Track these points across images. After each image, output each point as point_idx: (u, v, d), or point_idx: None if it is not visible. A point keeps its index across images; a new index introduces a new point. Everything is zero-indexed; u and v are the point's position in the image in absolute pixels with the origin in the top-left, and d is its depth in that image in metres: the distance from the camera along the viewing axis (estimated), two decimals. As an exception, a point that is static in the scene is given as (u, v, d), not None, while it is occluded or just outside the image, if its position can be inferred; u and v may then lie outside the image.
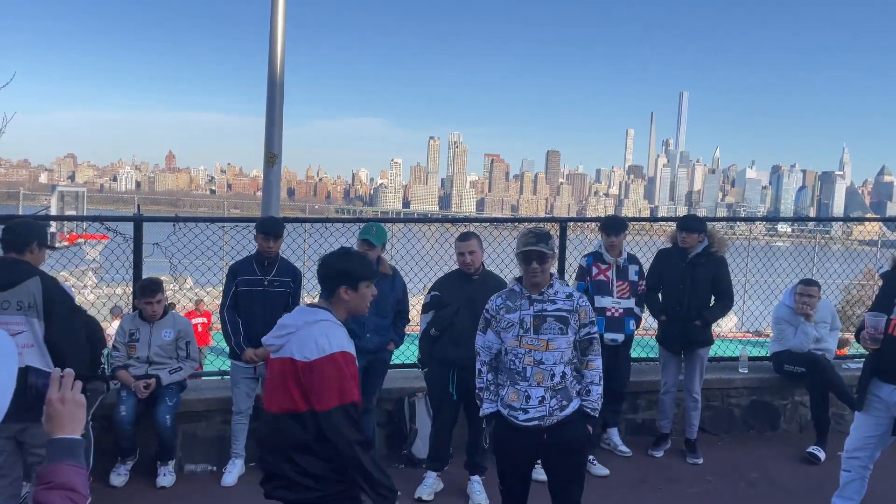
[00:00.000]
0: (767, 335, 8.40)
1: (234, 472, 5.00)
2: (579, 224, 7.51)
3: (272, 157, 6.55)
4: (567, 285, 3.62)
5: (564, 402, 3.43)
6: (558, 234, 6.36)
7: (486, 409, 3.56)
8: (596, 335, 3.53)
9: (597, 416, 3.52)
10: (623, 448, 5.72)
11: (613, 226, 5.62)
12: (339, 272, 2.87)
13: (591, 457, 5.39)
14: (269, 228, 4.99)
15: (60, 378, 1.65)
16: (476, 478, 4.87)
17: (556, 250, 3.51)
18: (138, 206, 6.63)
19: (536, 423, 3.40)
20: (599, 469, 5.33)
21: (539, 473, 5.15)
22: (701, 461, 5.59)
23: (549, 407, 3.39)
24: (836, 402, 6.04)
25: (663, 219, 8.42)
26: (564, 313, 3.43)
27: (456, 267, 4.97)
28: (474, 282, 4.79)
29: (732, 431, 6.29)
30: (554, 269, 3.58)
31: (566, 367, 3.45)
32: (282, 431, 2.77)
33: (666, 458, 5.70)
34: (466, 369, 4.77)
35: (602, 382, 3.53)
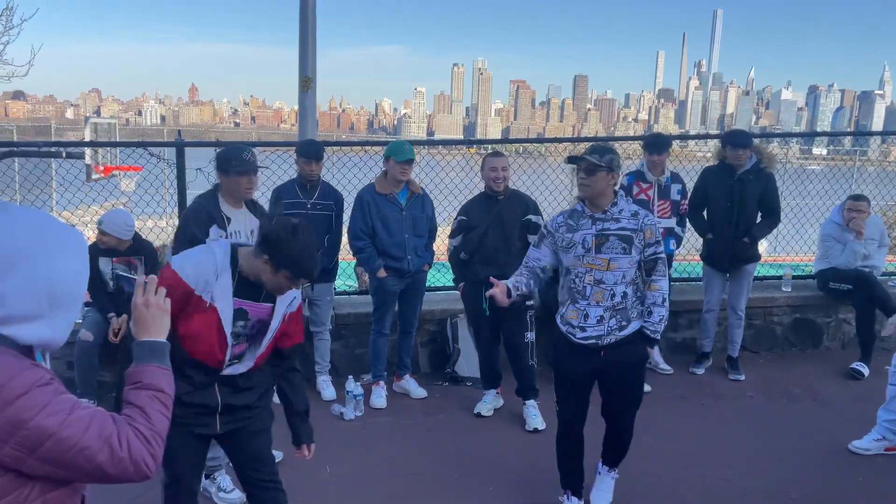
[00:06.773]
0: (799, 260, 8.26)
1: (331, 386, 5.22)
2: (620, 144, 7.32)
3: (307, 81, 6.44)
4: (632, 203, 3.43)
5: (624, 323, 3.32)
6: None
7: (508, 281, 3.45)
8: (662, 255, 3.35)
9: (657, 338, 3.41)
10: (664, 366, 5.76)
11: (656, 144, 5.49)
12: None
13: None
14: (310, 151, 4.96)
15: (144, 284, 1.69)
16: (531, 402, 4.82)
17: (617, 169, 3.28)
18: (179, 131, 6.62)
19: (593, 341, 3.33)
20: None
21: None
22: (743, 377, 5.62)
23: (608, 326, 3.31)
24: (882, 320, 5.98)
25: (705, 136, 8.21)
26: (628, 232, 3.28)
27: (480, 191, 4.93)
28: (500, 202, 4.78)
29: (774, 349, 6.29)
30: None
31: (628, 287, 3.31)
32: None
33: (707, 375, 5.73)
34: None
35: (666, 304, 3.37)
